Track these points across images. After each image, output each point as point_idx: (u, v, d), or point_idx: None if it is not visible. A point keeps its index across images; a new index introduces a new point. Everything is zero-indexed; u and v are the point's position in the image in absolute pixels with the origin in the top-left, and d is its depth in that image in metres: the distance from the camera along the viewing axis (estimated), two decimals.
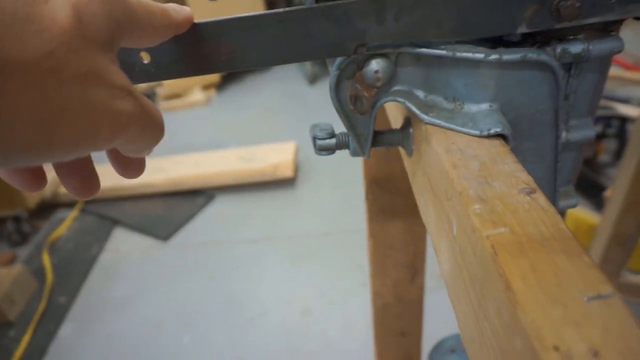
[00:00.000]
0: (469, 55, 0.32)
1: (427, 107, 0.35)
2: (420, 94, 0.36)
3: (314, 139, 0.44)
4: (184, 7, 0.30)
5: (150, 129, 0.25)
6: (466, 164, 0.30)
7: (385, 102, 0.37)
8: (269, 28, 0.31)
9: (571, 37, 0.33)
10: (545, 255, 0.22)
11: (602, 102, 1.79)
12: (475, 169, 0.29)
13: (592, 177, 1.63)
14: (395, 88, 0.36)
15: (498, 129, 0.31)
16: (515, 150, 0.36)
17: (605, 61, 0.35)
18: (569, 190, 0.42)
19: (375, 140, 0.43)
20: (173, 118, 2.86)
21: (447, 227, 0.30)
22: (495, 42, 0.34)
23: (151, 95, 3.01)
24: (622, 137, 1.71)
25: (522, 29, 0.32)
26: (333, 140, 0.43)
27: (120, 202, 2.08)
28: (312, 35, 0.32)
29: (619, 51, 0.33)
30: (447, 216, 0.30)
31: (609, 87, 2.01)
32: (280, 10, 0.31)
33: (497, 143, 0.31)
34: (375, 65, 0.34)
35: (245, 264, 1.71)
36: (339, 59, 0.35)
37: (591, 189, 1.62)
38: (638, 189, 1.07)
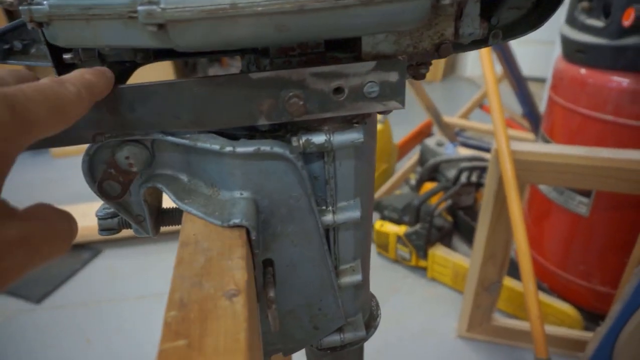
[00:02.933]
0: (207, 145, 0.32)
1: (187, 193, 0.35)
2: (184, 177, 0.36)
3: (97, 218, 0.41)
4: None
5: (47, 247, 0.22)
6: (193, 259, 0.29)
7: (147, 187, 0.35)
8: None
9: (316, 128, 0.34)
10: None
11: (480, 154, 1.95)
12: (198, 265, 0.28)
13: (471, 223, 1.74)
14: (158, 172, 0.35)
15: (237, 220, 0.31)
16: (281, 235, 0.37)
17: (360, 149, 0.36)
18: (355, 267, 0.42)
19: (162, 218, 0.41)
20: (64, 165, 2.67)
21: None
22: (250, 129, 0.35)
23: None
24: None
25: (263, 121, 0.32)
26: (115, 220, 0.41)
27: None
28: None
29: (360, 142, 0.34)
30: None
31: (487, 140, 2.20)
32: None
33: (237, 234, 0.31)
34: (126, 151, 0.33)
35: (130, 323, 1.58)
36: (87, 145, 0.33)
37: (471, 235, 1.72)
38: (494, 240, 1.15)
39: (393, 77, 0.32)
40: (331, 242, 0.40)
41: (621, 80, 1.04)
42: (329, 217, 0.37)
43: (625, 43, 1.00)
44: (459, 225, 1.76)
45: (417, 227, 1.58)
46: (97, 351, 1.48)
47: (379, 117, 2.06)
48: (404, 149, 2.24)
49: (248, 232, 0.32)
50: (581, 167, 0.95)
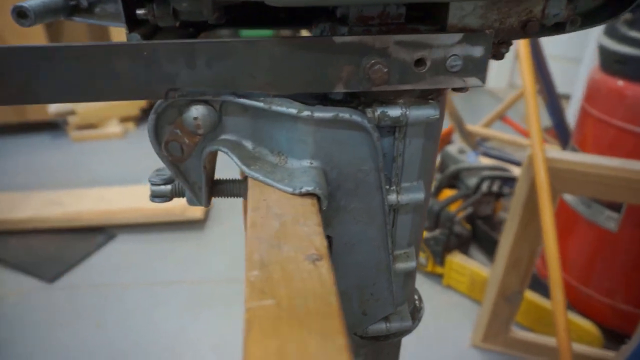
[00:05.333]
0: (283, 109, 0.31)
1: (252, 160, 0.34)
2: (249, 144, 0.35)
3: (150, 183, 0.41)
4: None
5: None
6: (267, 222, 0.28)
7: (210, 150, 0.34)
8: (64, 63, 0.28)
9: (391, 101, 0.33)
10: (299, 335, 0.20)
11: (501, 164, 1.93)
12: (273, 229, 0.27)
13: (490, 233, 1.71)
14: (223, 137, 0.34)
15: (310, 188, 0.30)
16: (344, 210, 0.35)
17: (430, 127, 0.35)
18: (409, 253, 0.41)
19: (215, 189, 0.40)
20: (84, 149, 2.69)
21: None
22: (322, 99, 0.34)
23: (62, 124, 2.83)
24: None
25: (340, 89, 0.31)
26: (168, 187, 0.40)
27: (4, 236, 1.87)
28: (117, 74, 0.29)
29: (435, 119, 0.33)
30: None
31: (508, 151, 2.18)
32: (79, 44, 0.28)
33: (308, 202, 0.30)
34: (195, 111, 0.32)
35: (141, 310, 1.58)
36: (157, 102, 0.32)
37: (489, 245, 1.70)
38: (520, 248, 1.13)
39: (478, 51, 0.31)
40: (390, 223, 0.38)
41: None
42: (392, 197, 0.36)
43: None
44: (477, 234, 1.74)
45: (436, 232, 1.56)
46: (107, 336, 1.48)
47: None
48: None
49: (319, 202, 0.30)
50: (616, 179, 0.93)
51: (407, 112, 0.32)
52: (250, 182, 0.33)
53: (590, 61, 2.37)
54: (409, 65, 0.31)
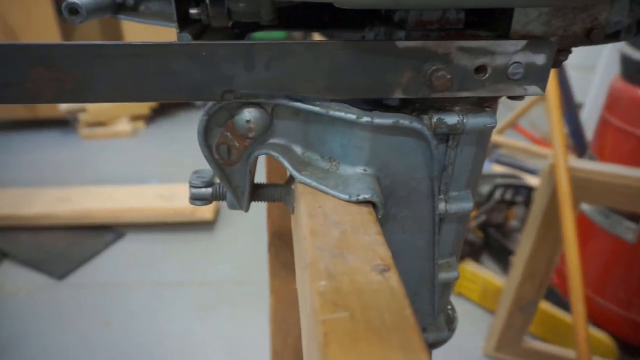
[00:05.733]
0: (342, 115, 0.30)
1: (302, 165, 0.33)
2: (298, 149, 0.34)
3: (190, 186, 0.40)
4: None
5: None
6: (326, 231, 0.27)
7: (260, 155, 0.34)
8: (121, 61, 0.28)
9: (448, 108, 0.32)
10: (379, 349, 0.19)
11: (513, 172, 1.91)
12: (334, 238, 0.26)
13: (502, 242, 1.70)
14: (272, 141, 0.34)
15: (367, 196, 0.29)
16: (394, 219, 0.35)
17: (483, 136, 0.34)
18: (451, 263, 0.40)
19: (256, 194, 0.40)
20: (94, 147, 2.69)
21: (302, 301, 0.27)
22: (375, 105, 0.33)
23: (72, 122, 2.83)
24: (530, 205, 1.82)
25: (399, 95, 0.30)
26: (209, 190, 0.39)
27: (15, 232, 1.87)
28: (174, 74, 0.29)
29: (492, 127, 0.32)
30: (302, 288, 0.27)
31: (520, 159, 2.17)
32: (137, 43, 0.28)
33: (365, 210, 0.29)
34: (248, 114, 0.31)
35: (148, 311, 1.57)
36: (209, 104, 0.32)
37: (501, 254, 1.68)
38: (537, 258, 1.12)
39: (540, 59, 0.30)
40: (437, 234, 0.37)
41: None
42: (441, 206, 0.35)
43: None
44: (489, 243, 1.73)
45: None
46: (117, 335, 1.47)
47: None
48: None
49: (376, 210, 0.30)
50: None
51: (465, 120, 0.32)
52: (301, 188, 0.32)
53: (604, 70, 2.36)
54: (470, 72, 0.30)
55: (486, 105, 0.33)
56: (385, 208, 0.34)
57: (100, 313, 1.56)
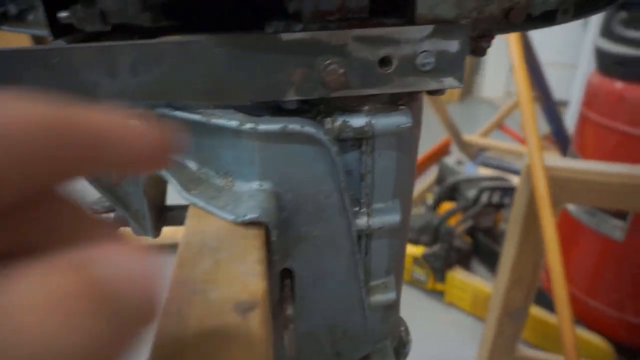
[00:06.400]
0: (223, 122, 0.26)
1: (194, 183, 0.29)
2: (193, 165, 0.30)
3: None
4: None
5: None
6: (198, 261, 0.22)
7: (146, 174, 0.29)
8: None
9: (355, 109, 0.28)
10: None
11: (500, 174, 1.88)
12: (203, 269, 0.22)
13: (491, 246, 1.65)
14: None
15: (254, 215, 0.25)
16: (305, 238, 0.30)
17: (403, 138, 0.30)
18: (387, 283, 0.36)
19: (164, 217, 0.35)
20: None
21: None
22: (276, 109, 0.29)
23: None
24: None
25: (292, 96, 0.26)
26: (111, 215, 0.35)
27: None
28: (25, 84, 0.25)
29: (407, 127, 0.28)
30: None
31: (507, 159, 2.13)
32: None
33: (253, 233, 0.25)
34: None
35: None
36: None
37: (491, 258, 1.64)
38: (522, 262, 1.07)
39: (453, 46, 0.26)
40: (362, 251, 0.33)
41: None
42: (362, 221, 0.31)
43: None
44: (478, 248, 1.68)
45: (436, 248, 1.50)
46: None
47: None
48: (421, 167, 2.18)
49: (267, 232, 0.25)
50: (621, 186, 0.88)
51: (373, 121, 0.27)
52: (190, 209, 0.28)
53: (586, 66, 2.33)
54: (372, 66, 0.26)
55: (400, 102, 0.29)
56: (294, 226, 0.30)
57: None
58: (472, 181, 1.74)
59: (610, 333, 1.24)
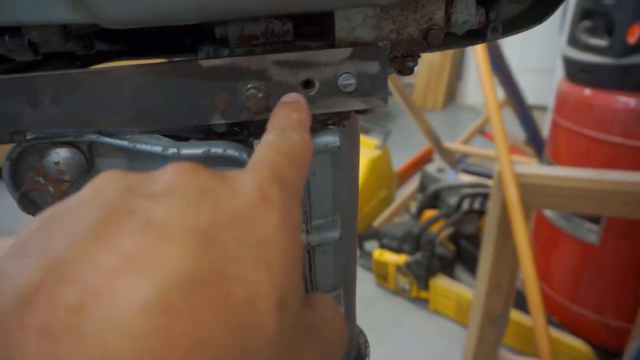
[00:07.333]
0: (148, 147, 0.26)
1: None
2: None
3: None
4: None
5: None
6: None
7: None
8: None
9: None
10: None
11: (483, 181, 1.89)
12: None
13: (474, 252, 1.66)
14: None
15: None
16: None
17: (337, 156, 0.31)
18: (335, 297, 0.36)
19: None
20: None
21: None
22: (208, 132, 0.30)
23: None
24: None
25: (218, 119, 0.27)
26: None
27: None
28: None
29: (336, 147, 0.29)
30: None
31: (489, 166, 2.15)
32: None
33: None
34: (55, 155, 0.28)
35: None
36: (11, 147, 0.28)
37: (474, 265, 1.64)
38: (499, 269, 1.08)
39: (373, 67, 0.27)
40: (306, 267, 0.34)
41: (628, 101, 1.00)
42: (302, 238, 0.32)
43: (632, 62, 0.96)
44: (461, 255, 1.69)
45: (418, 256, 1.51)
46: None
47: (376, 142, 2.02)
48: (404, 176, 2.19)
49: None
50: (590, 191, 0.89)
51: None
52: None
53: (560, 73, 2.38)
54: (294, 88, 0.27)
55: (330, 122, 0.30)
56: None
57: None
58: (453, 188, 1.75)
59: (591, 336, 1.25)
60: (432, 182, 1.84)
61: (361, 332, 0.45)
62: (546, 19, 0.34)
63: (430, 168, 1.94)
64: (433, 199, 1.77)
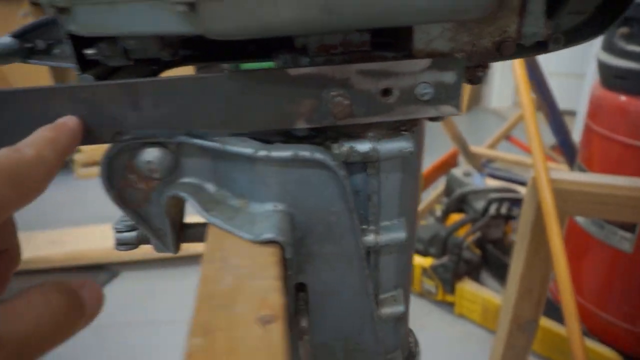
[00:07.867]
0: (238, 149, 0.28)
1: (213, 204, 0.31)
2: (211, 187, 0.32)
3: (114, 231, 0.38)
4: None
5: None
6: (219, 277, 0.25)
7: (170, 195, 0.32)
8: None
9: (360, 135, 0.30)
10: None
11: (508, 185, 1.88)
12: (225, 285, 0.24)
13: (501, 257, 1.65)
14: (183, 180, 0.32)
15: (270, 235, 0.27)
16: (318, 256, 0.32)
17: (408, 161, 0.32)
18: (396, 296, 0.38)
19: (185, 234, 0.38)
20: (89, 186, 2.70)
21: None
22: (286, 135, 0.31)
23: (68, 162, 2.85)
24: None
25: (302, 124, 0.29)
26: (133, 234, 0.37)
27: None
28: (56, 118, 0.27)
29: (409, 152, 0.30)
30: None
31: (515, 171, 2.14)
32: (10, 89, 0.26)
33: (269, 251, 0.27)
34: (147, 155, 0.30)
35: (142, 351, 1.54)
36: (108, 147, 0.30)
37: (501, 270, 1.64)
38: (531, 275, 1.08)
39: (449, 77, 0.29)
40: (371, 266, 0.35)
41: None
42: (370, 238, 0.33)
43: None
44: (487, 259, 1.68)
45: (445, 259, 1.51)
46: None
47: None
48: (429, 179, 2.19)
49: (282, 250, 0.28)
50: (627, 199, 0.89)
51: (378, 146, 0.30)
52: (210, 229, 0.30)
53: (592, 76, 2.34)
54: (374, 96, 0.28)
55: (403, 128, 0.31)
56: (307, 245, 0.32)
57: (97, 355, 1.52)
58: (480, 192, 1.75)
59: (621, 345, 1.23)
60: (459, 185, 1.83)
61: (411, 331, 0.46)
62: (607, 30, 0.35)
63: (457, 171, 1.94)
64: (459, 203, 1.77)
